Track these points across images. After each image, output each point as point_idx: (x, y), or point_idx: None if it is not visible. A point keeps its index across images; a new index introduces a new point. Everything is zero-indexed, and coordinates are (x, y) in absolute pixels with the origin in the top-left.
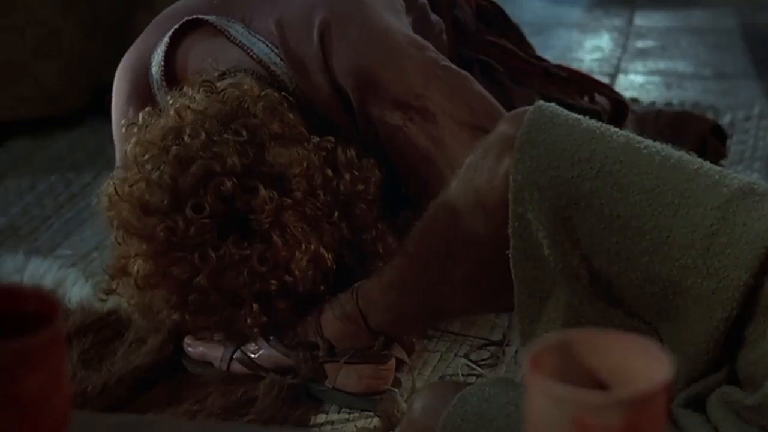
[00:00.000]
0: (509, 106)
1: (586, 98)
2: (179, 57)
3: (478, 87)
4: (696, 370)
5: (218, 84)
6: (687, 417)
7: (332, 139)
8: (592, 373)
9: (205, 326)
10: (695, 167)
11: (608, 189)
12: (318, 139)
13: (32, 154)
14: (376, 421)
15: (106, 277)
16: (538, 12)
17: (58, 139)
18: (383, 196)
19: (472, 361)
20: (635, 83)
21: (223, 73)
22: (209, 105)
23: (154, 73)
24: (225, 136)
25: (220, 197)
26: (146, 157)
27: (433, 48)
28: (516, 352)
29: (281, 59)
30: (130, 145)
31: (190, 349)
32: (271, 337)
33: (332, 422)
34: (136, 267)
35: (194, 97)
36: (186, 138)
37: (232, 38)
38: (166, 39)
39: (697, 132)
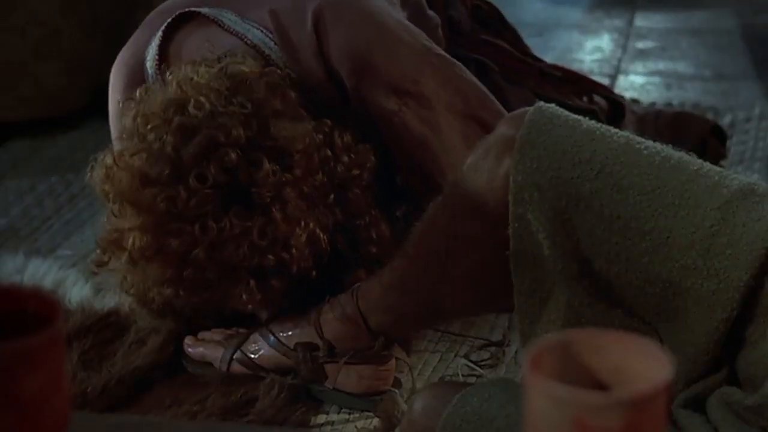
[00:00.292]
0: (504, 106)
1: (585, 98)
2: (173, 50)
3: (471, 76)
4: (696, 370)
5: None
6: (687, 417)
7: (329, 122)
8: (592, 373)
9: (198, 302)
10: (695, 168)
11: (608, 190)
12: (314, 122)
13: (32, 154)
14: (376, 422)
15: (98, 251)
16: (539, 13)
17: (59, 140)
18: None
19: (472, 362)
20: (635, 84)
21: (220, 58)
22: (212, 78)
23: (148, 67)
24: (230, 108)
25: (223, 168)
26: (149, 127)
27: (426, 36)
28: (516, 352)
29: (275, 44)
30: (128, 118)
31: (190, 349)
32: (272, 338)
33: (332, 423)
34: (131, 239)
35: (198, 70)
36: (190, 108)
37: (225, 27)
38: (160, 33)
39: (697, 133)
